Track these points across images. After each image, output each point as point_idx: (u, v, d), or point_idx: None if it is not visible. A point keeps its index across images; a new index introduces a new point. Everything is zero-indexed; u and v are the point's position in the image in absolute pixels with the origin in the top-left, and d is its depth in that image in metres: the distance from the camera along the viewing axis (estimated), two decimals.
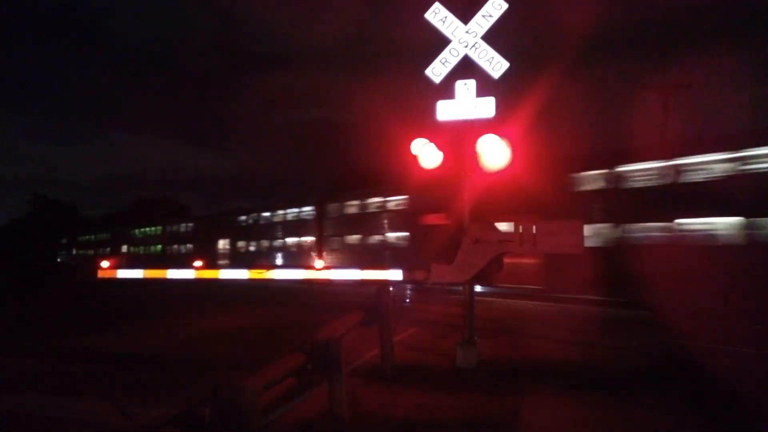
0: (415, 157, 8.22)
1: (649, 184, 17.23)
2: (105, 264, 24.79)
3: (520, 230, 7.42)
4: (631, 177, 17.85)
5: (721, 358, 8.83)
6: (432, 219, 27.84)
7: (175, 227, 53.66)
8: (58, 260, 75.46)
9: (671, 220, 16.54)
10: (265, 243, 39.10)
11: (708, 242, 15.74)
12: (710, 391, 6.92)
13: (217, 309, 16.71)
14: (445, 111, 8.11)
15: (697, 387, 7.11)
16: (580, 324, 12.59)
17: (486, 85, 8.03)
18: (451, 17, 8.20)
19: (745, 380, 7.51)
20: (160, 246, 54.70)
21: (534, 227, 7.36)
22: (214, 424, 3.55)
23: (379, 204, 31.31)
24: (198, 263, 24.76)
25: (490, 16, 8.05)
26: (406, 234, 29.44)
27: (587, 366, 8.26)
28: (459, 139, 8.10)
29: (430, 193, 25.99)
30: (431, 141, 8.21)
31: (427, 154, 8.15)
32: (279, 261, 36.93)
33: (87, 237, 72.62)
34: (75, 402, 6.57)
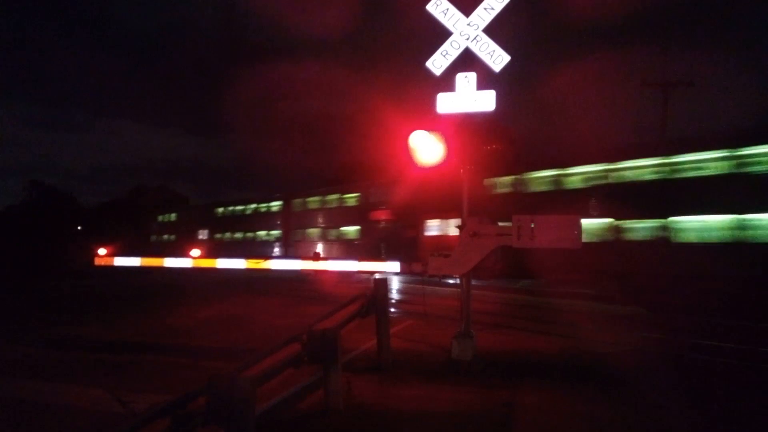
0: (413, 151, 8.05)
1: None
2: (102, 251, 24.81)
3: (518, 224, 7.41)
4: None
5: (711, 353, 8.87)
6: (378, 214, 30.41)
7: None
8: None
9: None
10: None
11: None
12: (701, 386, 6.95)
13: (213, 298, 16.71)
14: (446, 103, 8.08)
15: (687, 382, 7.14)
16: (575, 318, 12.63)
17: (487, 78, 8.01)
18: (452, 9, 8.16)
19: (735, 375, 7.55)
20: None
21: (532, 220, 7.36)
22: (210, 412, 3.56)
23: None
24: (196, 252, 24.57)
25: (492, 8, 8.00)
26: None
27: (582, 360, 8.30)
28: (458, 132, 8.03)
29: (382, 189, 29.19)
30: (432, 133, 7.98)
31: (427, 148, 7.96)
32: None
33: (248, 208, 46.03)
34: (70, 388, 6.58)
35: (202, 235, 49.19)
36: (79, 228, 73.53)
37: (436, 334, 9.98)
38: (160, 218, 57.74)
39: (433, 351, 8.65)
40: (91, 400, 6.09)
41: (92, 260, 24.71)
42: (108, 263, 24.57)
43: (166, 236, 55.52)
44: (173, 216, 56.27)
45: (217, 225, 48.67)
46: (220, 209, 49.64)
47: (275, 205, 43.67)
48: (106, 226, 62.53)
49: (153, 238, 54.88)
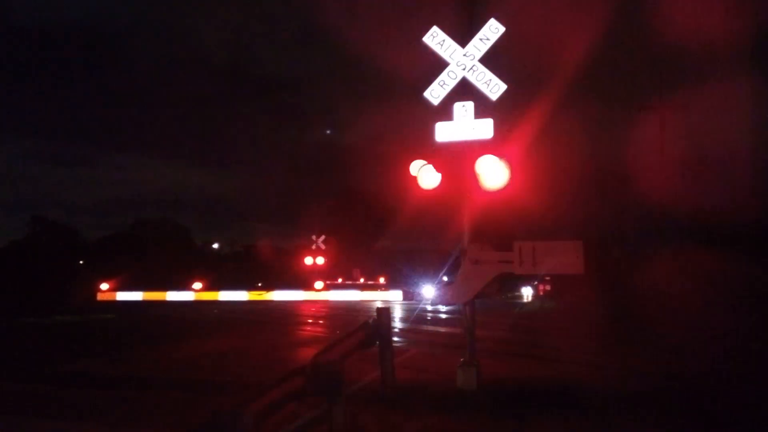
0: (413, 178, 8.24)
1: None
2: (104, 286, 24.75)
3: (520, 250, 7.41)
4: None
5: (720, 378, 8.77)
6: None
7: None
8: None
9: None
10: None
11: None
12: (711, 412, 6.86)
13: (214, 330, 16.62)
14: (444, 132, 8.18)
15: (697, 408, 7.04)
16: (578, 343, 12.52)
17: (484, 107, 8.11)
18: (449, 41, 8.32)
19: (741, 402, 7.46)
20: None
21: (533, 247, 7.36)
22: None
23: None
24: (198, 285, 24.55)
25: (488, 39, 8.16)
26: None
27: (589, 387, 8.20)
28: (457, 160, 8.16)
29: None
30: (430, 162, 8.24)
31: (425, 174, 8.15)
32: None
33: None
34: (72, 426, 6.50)
35: None
36: (81, 262, 73.20)
37: (441, 363, 9.89)
38: None
39: (438, 380, 8.56)
40: None
41: (94, 295, 24.59)
42: (110, 298, 24.50)
43: None
44: None
45: None
46: None
47: None
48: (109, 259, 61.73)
49: None
